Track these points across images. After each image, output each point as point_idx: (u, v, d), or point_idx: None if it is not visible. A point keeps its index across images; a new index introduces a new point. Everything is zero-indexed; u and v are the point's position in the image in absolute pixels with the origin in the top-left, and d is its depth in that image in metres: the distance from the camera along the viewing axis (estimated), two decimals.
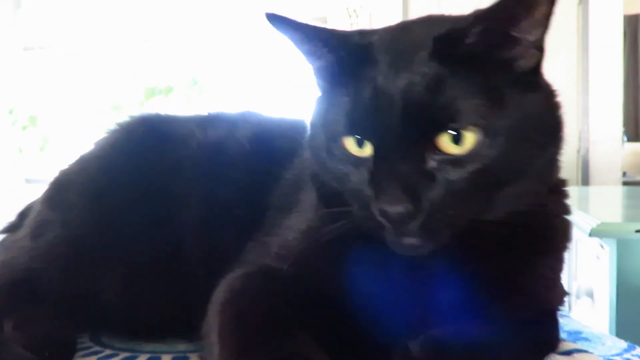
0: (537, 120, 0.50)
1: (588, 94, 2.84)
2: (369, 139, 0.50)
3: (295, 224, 0.61)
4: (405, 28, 0.56)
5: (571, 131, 2.92)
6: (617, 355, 0.67)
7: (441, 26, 0.51)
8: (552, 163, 0.55)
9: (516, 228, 0.51)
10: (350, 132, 0.51)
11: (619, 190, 1.86)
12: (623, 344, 0.72)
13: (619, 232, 0.92)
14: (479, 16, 0.49)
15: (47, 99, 3.66)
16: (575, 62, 2.81)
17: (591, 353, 0.62)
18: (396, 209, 0.46)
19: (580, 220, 1.03)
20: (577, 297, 1.27)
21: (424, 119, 0.47)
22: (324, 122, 0.55)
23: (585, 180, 2.99)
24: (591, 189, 1.96)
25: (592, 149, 3.06)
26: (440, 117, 0.47)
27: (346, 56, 0.52)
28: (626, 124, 4.41)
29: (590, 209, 1.24)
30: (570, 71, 2.82)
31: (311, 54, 0.55)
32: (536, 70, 0.52)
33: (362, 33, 0.55)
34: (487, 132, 0.47)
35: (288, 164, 0.68)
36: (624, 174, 3.98)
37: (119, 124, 0.79)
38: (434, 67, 0.48)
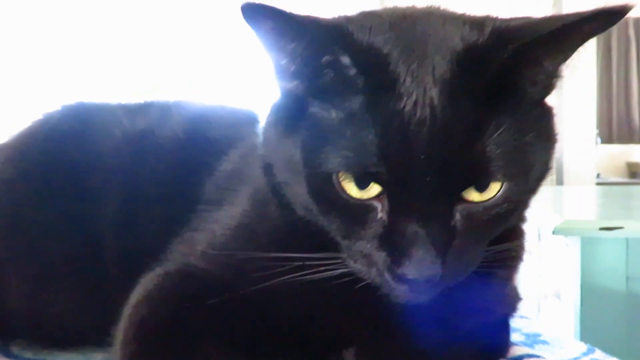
0: (544, 149, 0.46)
1: (561, 96, 2.84)
2: (382, 183, 0.41)
3: (227, 217, 0.54)
4: (416, 32, 0.44)
5: None
6: (575, 359, 0.63)
7: (455, 33, 0.43)
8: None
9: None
10: (359, 169, 0.41)
11: (592, 190, 1.84)
12: (583, 347, 0.68)
13: (583, 230, 0.88)
14: (510, 34, 0.42)
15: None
16: None
17: (542, 358, 0.57)
18: (425, 274, 0.41)
19: (546, 218, 0.99)
20: (545, 297, 1.24)
21: (462, 169, 0.41)
22: (303, 147, 0.44)
23: (559, 181, 3.00)
24: (565, 188, 1.94)
25: (567, 151, 3.08)
26: (479, 168, 0.41)
27: (352, 64, 0.41)
28: (599, 125, 4.48)
29: (559, 208, 1.21)
30: None
31: (295, 57, 0.43)
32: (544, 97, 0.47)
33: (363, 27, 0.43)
34: (513, 178, 0.43)
35: (225, 155, 0.62)
36: (598, 175, 4.03)
37: (43, 114, 0.72)
38: (470, 104, 0.41)
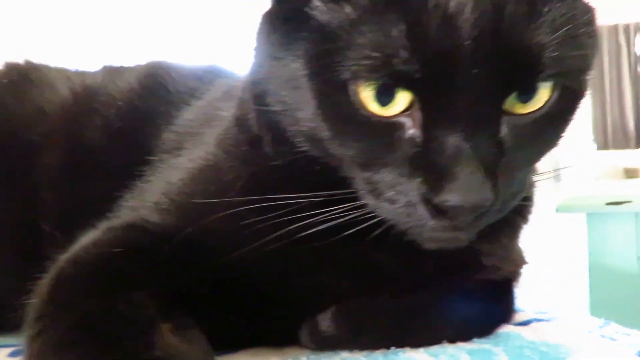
0: (592, 54, 0.40)
1: None
2: (414, 87, 0.34)
3: (186, 162, 0.47)
4: None
5: None
6: (591, 332, 0.57)
7: None
8: None
9: None
10: (384, 70, 0.33)
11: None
12: (599, 321, 0.62)
13: (589, 206, 0.83)
14: None
15: None
16: None
17: (551, 320, 0.51)
18: (472, 199, 0.33)
19: (546, 195, 0.94)
20: (552, 278, 1.18)
21: (513, 58, 0.33)
22: (316, 65, 0.35)
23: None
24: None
25: (564, 159, 3.04)
26: (532, 57, 0.34)
27: None
28: (595, 132, 4.47)
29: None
30: None
31: None
32: None
33: None
34: (566, 77, 0.36)
35: (187, 105, 0.57)
36: (596, 181, 4.00)
37: None
38: None
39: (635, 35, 4.46)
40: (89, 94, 0.61)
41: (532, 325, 0.50)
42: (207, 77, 0.60)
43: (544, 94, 0.36)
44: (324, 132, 0.37)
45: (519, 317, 0.52)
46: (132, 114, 0.58)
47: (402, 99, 0.34)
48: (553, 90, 0.36)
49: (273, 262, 0.42)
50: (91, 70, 0.68)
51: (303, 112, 0.37)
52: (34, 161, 0.57)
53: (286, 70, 0.37)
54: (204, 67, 0.64)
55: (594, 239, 0.82)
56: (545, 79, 0.35)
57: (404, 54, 0.32)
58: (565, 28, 0.35)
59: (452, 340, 0.44)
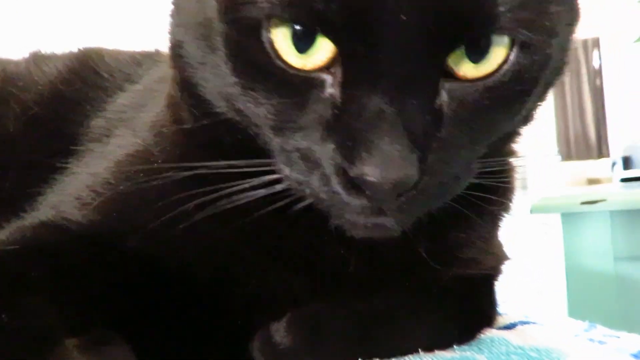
0: (559, 60, 0.35)
1: None
2: (339, 43, 0.28)
3: (115, 150, 0.41)
4: None
5: None
6: (577, 336, 0.53)
7: None
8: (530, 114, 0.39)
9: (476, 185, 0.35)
10: (307, 15, 0.27)
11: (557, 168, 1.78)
12: (583, 324, 0.58)
13: (563, 205, 0.80)
14: None
15: None
16: None
17: (539, 324, 0.47)
18: (393, 174, 0.27)
19: (519, 197, 0.91)
20: (528, 282, 1.15)
21: (458, 22, 0.27)
22: (228, 4, 0.30)
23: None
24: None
25: (530, 171, 3.09)
26: (483, 18, 0.28)
27: None
28: (558, 144, 4.59)
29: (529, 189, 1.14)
30: None
31: None
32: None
33: None
34: (524, 46, 0.30)
35: (120, 90, 0.51)
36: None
37: None
38: None
39: (592, 50, 4.63)
40: (7, 79, 0.55)
41: (518, 328, 0.45)
42: (147, 63, 0.54)
43: (499, 53, 0.30)
44: (234, 87, 0.31)
45: (502, 320, 0.46)
46: (55, 100, 0.52)
47: (323, 48, 0.29)
48: (511, 48, 0.30)
49: (209, 254, 0.35)
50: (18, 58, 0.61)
51: (217, 61, 0.32)
52: None
53: (200, 8, 0.32)
54: (145, 52, 0.57)
55: (569, 240, 0.80)
56: (499, 32, 0.29)
57: None
58: None
59: (429, 348, 0.37)
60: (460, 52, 0.29)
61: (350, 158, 0.28)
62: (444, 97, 0.30)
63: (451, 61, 0.29)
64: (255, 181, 0.32)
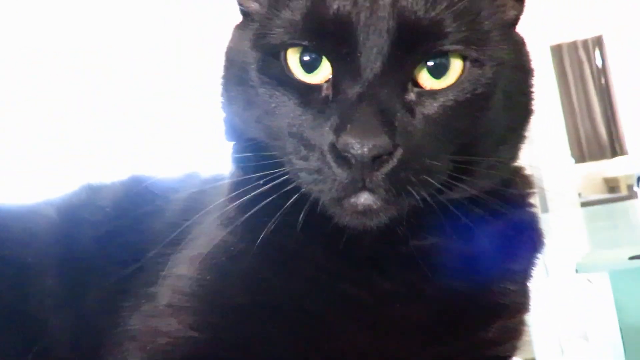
0: (516, 69, 0.45)
1: (530, 124, 2.85)
2: (329, 54, 0.40)
3: (192, 253, 0.47)
4: None
5: (521, 162, 2.96)
6: None
7: None
8: (520, 133, 0.49)
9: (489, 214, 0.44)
10: (305, 36, 0.40)
11: (580, 214, 1.75)
12: None
13: (610, 262, 0.78)
14: None
15: None
16: None
17: None
18: (370, 141, 0.36)
19: (555, 252, 0.89)
20: (569, 341, 1.11)
21: (417, 35, 0.39)
22: (258, 36, 0.43)
23: (544, 207, 2.95)
24: (550, 217, 1.85)
25: (545, 177, 3.05)
26: (435, 34, 0.40)
27: None
28: (570, 147, 4.54)
29: (558, 238, 1.11)
30: None
31: None
32: (515, 23, 0.48)
33: None
34: (475, 62, 0.41)
35: (171, 200, 0.57)
36: (579, 195, 4.02)
37: None
38: None
39: (594, 49, 4.61)
40: (74, 208, 0.60)
41: None
42: (188, 179, 0.61)
43: (455, 69, 0.40)
44: (263, 97, 0.42)
45: None
46: (119, 219, 0.57)
47: (324, 69, 0.41)
48: (464, 66, 0.41)
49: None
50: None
51: (251, 93, 0.44)
52: (30, 286, 0.55)
53: (238, 60, 0.45)
54: (186, 173, 0.63)
55: (620, 298, 0.77)
56: (452, 52, 0.40)
57: (304, 23, 0.40)
58: (469, 8, 0.40)
59: None
60: (424, 69, 0.40)
61: (338, 132, 0.37)
62: (412, 96, 0.40)
63: (418, 77, 0.40)
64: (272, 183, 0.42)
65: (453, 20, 0.39)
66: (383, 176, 0.37)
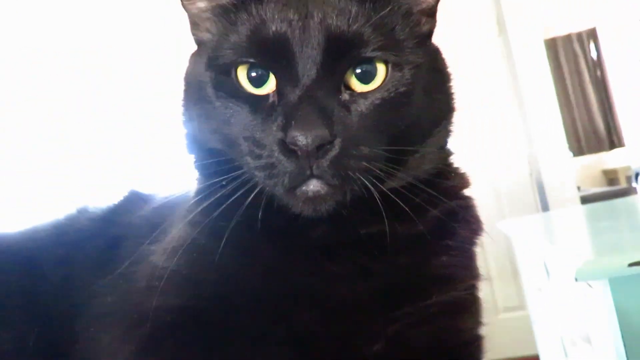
0: (433, 72, 0.53)
1: (526, 119, 2.85)
2: (272, 67, 0.47)
3: (165, 246, 0.52)
4: None
5: (520, 158, 2.95)
6: None
7: None
8: (444, 127, 0.55)
9: (427, 203, 0.51)
10: (250, 54, 0.47)
11: (581, 212, 1.75)
12: None
13: (610, 270, 0.77)
14: None
15: None
16: (507, 91, 2.84)
17: None
18: (312, 132, 0.42)
19: (555, 257, 0.89)
20: (573, 344, 1.11)
21: (342, 46, 0.47)
22: (211, 58, 0.50)
23: (544, 202, 2.94)
24: (553, 215, 1.85)
25: (544, 171, 3.04)
26: (358, 44, 0.47)
27: None
28: (567, 140, 4.53)
29: (559, 240, 1.10)
30: (504, 100, 2.83)
31: None
32: (429, 35, 0.55)
33: None
34: (395, 66, 0.49)
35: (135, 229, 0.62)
36: (578, 188, 4.01)
37: None
38: (346, 0, 0.48)
39: (589, 42, 4.60)
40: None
41: None
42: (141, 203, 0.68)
43: (380, 73, 0.48)
44: (218, 110, 0.49)
45: None
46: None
47: (270, 81, 0.48)
48: (387, 70, 0.48)
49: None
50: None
51: (208, 107, 0.50)
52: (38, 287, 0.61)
53: (195, 80, 0.52)
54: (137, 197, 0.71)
55: (620, 304, 0.77)
56: (376, 58, 0.48)
57: (249, 43, 0.47)
58: (379, 15, 0.48)
59: None
60: (352, 75, 0.48)
61: (285, 130, 0.43)
62: (346, 97, 0.47)
63: (350, 82, 0.48)
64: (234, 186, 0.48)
65: (371, 32, 0.47)
66: (328, 163, 0.43)
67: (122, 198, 0.71)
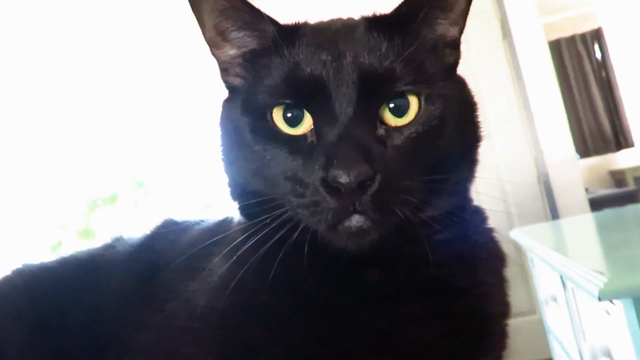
0: (461, 102, 0.55)
1: (533, 121, 2.84)
2: (309, 107, 0.48)
3: (208, 285, 0.52)
4: (325, 21, 0.57)
5: (527, 161, 2.93)
6: None
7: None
8: (473, 156, 0.57)
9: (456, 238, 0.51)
10: (287, 95, 0.48)
11: (592, 220, 1.72)
12: None
13: (634, 290, 0.76)
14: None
15: None
16: (513, 94, 2.83)
17: None
18: (354, 170, 0.43)
19: (573, 272, 0.87)
20: (593, 357, 1.09)
21: (376, 82, 0.48)
22: (246, 103, 0.51)
23: (552, 205, 2.92)
24: (564, 223, 1.82)
25: (552, 174, 3.02)
26: (390, 79, 0.48)
27: (280, 35, 0.51)
28: (574, 142, 4.51)
29: (573, 252, 1.09)
30: (510, 104, 2.82)
31: (249, 36, 0.53)
32: (455, 66, 0.57)
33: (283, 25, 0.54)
34: (428, 99, 0.50)
35: (169, 257, 0.62)
36: (587, 190, 3.99)
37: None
38: (375, 38, 0.50)
39: (593, 42, 4.58)
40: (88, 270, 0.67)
41: None
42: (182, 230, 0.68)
43: (413, 107, 0.50)
44: (257, 154, 0.50)
45: None
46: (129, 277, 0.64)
47: (306, 120, 0.49)
48: (419, 103, 0.50)
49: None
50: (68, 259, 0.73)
51: (247, 152, 0.51)
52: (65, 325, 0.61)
53: (231, 128, 0.53)
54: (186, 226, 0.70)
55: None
56: (408, 92, 0.49)
57: (285, 85, 0.49)
58: (408, 51, 0.49)
59: None
60: (387, 109, 0.49)
61: (327, 169, 0.44)
62: (382, 132, 0.48)
63: (384, 117, 0.49)
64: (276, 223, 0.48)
65: (403, 67, 0.49)
66: (369, 198, 0.44)
67: (156, 225, 0.70)
